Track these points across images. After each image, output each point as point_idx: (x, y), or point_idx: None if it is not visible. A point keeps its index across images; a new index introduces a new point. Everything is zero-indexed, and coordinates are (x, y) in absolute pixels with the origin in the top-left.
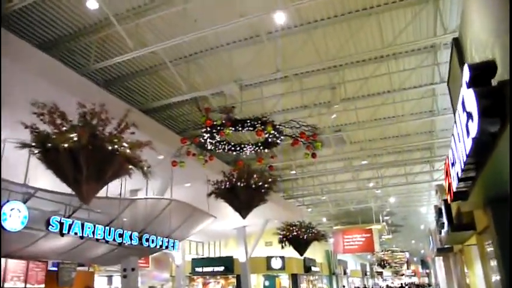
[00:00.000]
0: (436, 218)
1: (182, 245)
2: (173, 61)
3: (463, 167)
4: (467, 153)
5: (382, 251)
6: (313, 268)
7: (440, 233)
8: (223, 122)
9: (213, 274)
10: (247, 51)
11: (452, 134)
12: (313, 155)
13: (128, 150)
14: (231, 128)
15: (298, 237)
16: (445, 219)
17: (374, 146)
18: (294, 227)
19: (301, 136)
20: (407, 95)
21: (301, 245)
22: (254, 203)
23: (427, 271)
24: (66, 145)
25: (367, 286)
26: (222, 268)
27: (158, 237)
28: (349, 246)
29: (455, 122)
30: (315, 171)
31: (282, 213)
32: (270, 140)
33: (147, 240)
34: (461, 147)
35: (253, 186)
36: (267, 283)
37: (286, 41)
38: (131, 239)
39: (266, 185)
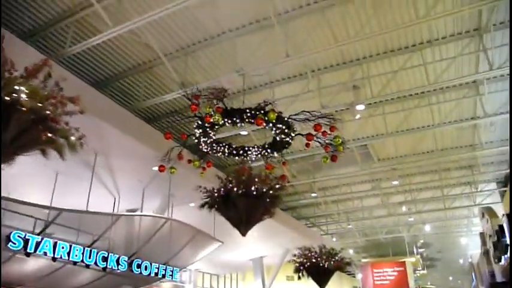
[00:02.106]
0: (489, 245)
1: (194, 277)
2: (168, 55)
3: None
4: None
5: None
6: None
7: (499, 260)
8: (214, 110)
9: None
10: (253, 39)
11: None
12: (333, 158)
13: (34, 104)
14: (223, 117)
15: (317, 265)
16: (508, 239)
17: (406, 163)
18: (312, 253)
19: (316, 129)
20: (444, 96)
21: (321, 275)
22: (256, 216)
23: None
24: None
25: None
26: None
27: (153, 264)
28: (380, 281)
29: None
30: (339, 194)
31: (303, 242)
32: (278, 138)
33: (138, 266)
34: None
35: (255, 193)
36: None
37: (298, 24)
38: (118, 264)
39: (272, 192)
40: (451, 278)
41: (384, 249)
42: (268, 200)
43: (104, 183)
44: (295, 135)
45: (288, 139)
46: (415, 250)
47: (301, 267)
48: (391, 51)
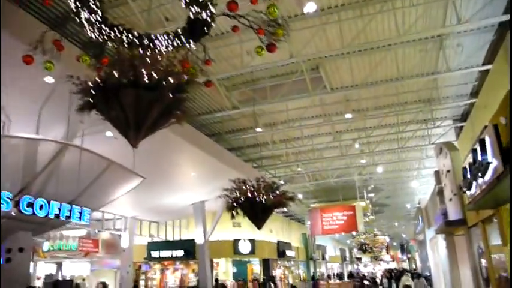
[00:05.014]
0: (444, 182)
1: (130, 224)
2: None
3: None
4: None
5: (364, 233)
6: (287, 252)
7: (469, 188)
8: None
9: (172, 259)
10: None
11: None
12: (270, 47)
13: None
14: None
15: (253, 200)
16: (490, 156)
17: (361, 89)
18: (248, 186)
19: None
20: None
21: (257, 213)
22: (152, 118)
23: (409, 256)
24: None
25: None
26: (181, 252)
27: (52, 202)
28: (329, 227)
29: None
30: (287, 129)
31: None
32: (193, 16)
33: (30, 205)
34: None
35: (149, 82)
36: (235, 270)
37: None
38: None
39: (177, 82)
40: (396, 224)
41: (334, 194)
42: (171, 94)
43: None
44: (217, 15)
45: (205, 16)
46: (365, 195)
47: (235, 204)
48: None
